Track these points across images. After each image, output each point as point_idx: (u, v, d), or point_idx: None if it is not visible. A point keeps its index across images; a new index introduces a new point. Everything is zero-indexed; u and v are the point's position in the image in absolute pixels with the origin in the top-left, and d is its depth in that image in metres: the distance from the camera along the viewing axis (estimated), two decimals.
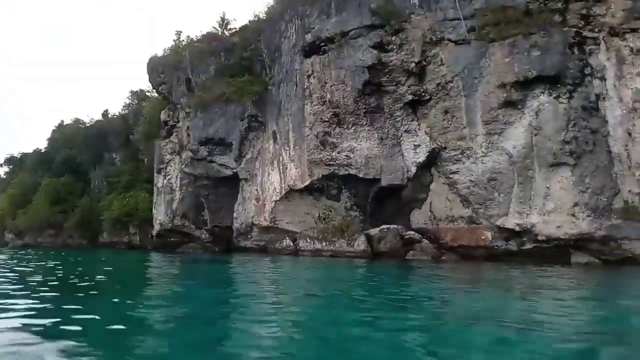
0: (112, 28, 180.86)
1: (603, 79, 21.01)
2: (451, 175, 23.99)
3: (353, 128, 25.45)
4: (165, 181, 38.04)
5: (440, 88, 23.63)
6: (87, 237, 48.07)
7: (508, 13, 21.74)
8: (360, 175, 25.16)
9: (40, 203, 50.43)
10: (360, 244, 23.65)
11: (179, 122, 37.94)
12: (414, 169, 24.74)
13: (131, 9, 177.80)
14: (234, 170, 33.37)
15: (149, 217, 40.66)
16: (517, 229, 21.63)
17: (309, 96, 26.57)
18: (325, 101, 25.94)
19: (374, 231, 24.11)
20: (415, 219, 25.97)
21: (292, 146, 27.46)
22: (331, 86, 25.63)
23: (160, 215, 38.02)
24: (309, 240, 25.42)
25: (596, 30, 21.33)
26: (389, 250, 23.80)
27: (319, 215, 28.16)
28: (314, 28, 26.46)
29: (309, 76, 26.76)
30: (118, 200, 43.28)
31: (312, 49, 26.74)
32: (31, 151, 62.54)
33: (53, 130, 60.93)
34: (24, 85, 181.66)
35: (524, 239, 21.81)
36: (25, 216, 51.26)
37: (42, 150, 59.59)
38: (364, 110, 25.18)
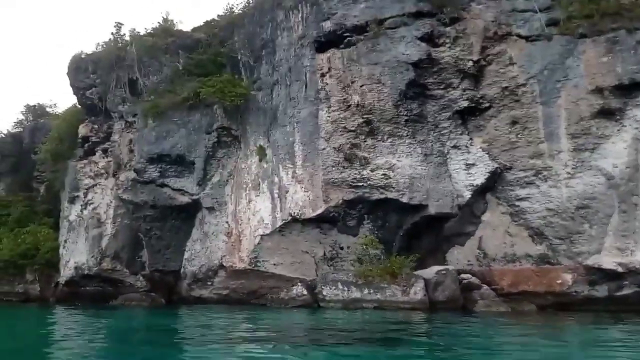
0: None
1: None
2: (518, 203, 18.83)
3: (390, 140, 19.46)
4: (87, 212, 28.59)
5: (507, 93, 18.71)
6: None
7: (602, 4, 17.66)
8: (404, 200, 19.01)
9: None
10: (418, 291, 17.20)
11: (110, 136, 29.14)
12: (467, 195, 19.21)
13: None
14: (195, 197, 25.37)
15: (54, 260, 30.49)
16: (619, 269, 16.80)
17: (326, 99, 20.26)
18: (351, 105, 19.79)
19: (427, 274, 17.88)
20: (453, 259, 20.29)
21: (299, 163, 20.65)
22: (362, 86, 19.60)
23: (76, 257, 28.23)
24: (340, 287, 18.32)
25: None
26: (447, 300, 17.69)
27: (325, 255, 21.36)
28: (335, 14, 20.49)
29: (323, 75, 20.54)
30: (9, 238, 32.24)
31: (329, 41, 20.69)
32: None
33: None
34: None
35: (625, 282, 17.00)
36: None
37: None
38: (405, 119, 19.41)
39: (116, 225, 26.80)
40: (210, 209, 25.07)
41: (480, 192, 19.31)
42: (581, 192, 17.41)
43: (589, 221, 17.33)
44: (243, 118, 24.23)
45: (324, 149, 19.95)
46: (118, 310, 22.84)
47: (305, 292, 19.38)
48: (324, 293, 18.65)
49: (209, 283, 25.41)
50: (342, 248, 21.02)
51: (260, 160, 23.09)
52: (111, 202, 27.07)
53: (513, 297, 18.70)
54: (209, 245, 25.16)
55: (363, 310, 17.25)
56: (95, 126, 30.35)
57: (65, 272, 29.08)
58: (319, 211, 19.96)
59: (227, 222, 24.43)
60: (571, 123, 17.58)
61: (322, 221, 20.63)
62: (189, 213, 26.18)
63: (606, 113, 17.14)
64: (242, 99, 23.11)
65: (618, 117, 17.04)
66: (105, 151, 29.17)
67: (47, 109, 44.83)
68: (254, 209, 22.86)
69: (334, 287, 18.45)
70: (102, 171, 28.63)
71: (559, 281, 18.07)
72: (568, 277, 17.86)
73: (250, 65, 24.83)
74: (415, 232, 20.08)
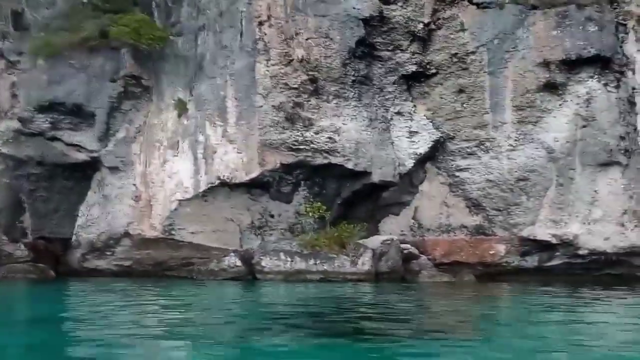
0: None
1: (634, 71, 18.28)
2: (458, 173, 18.48)
3: (335, 102, 17.92)
4: None
5: (455, 60, 18.06)
6: None
7: None
8: (349, 166, 17.69)
9: None
10: (366, 261, 16.09)
11: None
12: (410, 163, 18.44)
13: None
14: (94, 155, 21.76)
15: None
16: (553, 240, 17.22)
17: (264, 51, 18.09)
18: (293, 60, 17.87)
19: (372, 244, 16.86)
20: (387, 228, 19.62)
21: (231, 121, 18.34)
22: (307, 39, 17.73)
23: None
24: (283, 257, 16.54)
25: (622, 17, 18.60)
26: (390, 270, 16.91)
27: (252, 224, 19.50)
28: None
29: (262, 23, 18.31)
30: None
31: None
32: None
33: None
34: None
35: (557, 253, 17.50)
36: None
37: None
38: (352, 79, 17.96)
39: None
40: (113, 169, 21.71)
41: (421, 161, 18.65)
42: (522, 164, 17.45)
43: (527, 193, 17.47)
44: (157, 66, 21.02)
45: (261, 106, 17.89)
46: None
47: (238, 262, 17.42)
48: (263, 264, 16.84)
49: (109, 253, 22.23)
50: (272, 216, 19.28)
51: (179, 116, 20.26)
52: None
53: (444, 268, 18.54)
54: (110, 210, 21.85)
55: (306, 282, 15.81)
56: None
57: None
58: (253, 175, 17.99)
59: (134, 184, 21.31)
60: (516, 95, 17.44)
61: (253, 186, 18.68)
62: (84, 173, 22.53)
63: (550, 87, 17.19)
64: (160, 43, 19.94)
65: (561, 92, 17.18)
66: None
67: None
68: (170, 171, 20.12)
69: (275, 258, 16.73)
70: None
71: (491, 252, 18.18)
72: (502, 248, 18.01)
73: (167, 6, 21.54)
74: (352, 200, 18.97)
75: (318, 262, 16.23)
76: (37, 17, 22.28)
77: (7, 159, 22.24)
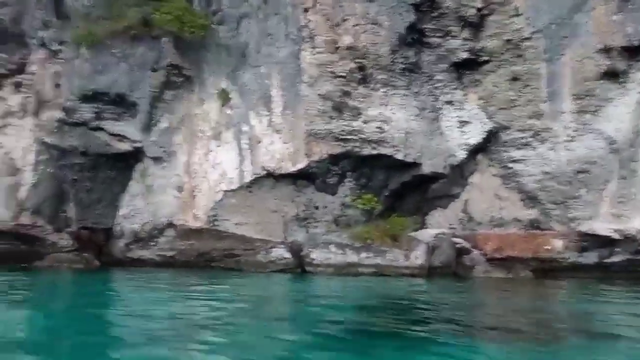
0: None
1: None
2: (511, 165, 17.73)
3: (383, 90, 17.33)
4: None
5: (509, 47, 17.23)
6: None
7: None
8: (399, 157, 17.14)
9: None
10: (419, 255, 15.61)
11: (24, 67, 24.04)
12: (461, 154, 17.78)
13: None
14: (137, 145, 21.65)
15: None
16: (615, 236, 16.39)
17: (310, 39, 17.57)
18: (340, 47, 17.31)
19: (424, 237, 16.33)
20: (434, 222, 19.02)
21: (277, 110, 17.93)
22: (354, 26, 17.13)
23: None
24: (333, 249, 16.18)
25: None
26: (442, 265, 16.37)
27: (297, 215, 19.11)
28: None
29: (307, 10, 17.76)
30: None
31: None
32: None
33: None
34: None
35: (617, 249, 16.67)
36: None
37: None
38: (402, 67, 17.34)
39: (37, 173, 22.31)
40: (156, 159, 21.57)
41: (473, 152, 17.95)
42: (581, 156, 16.61)
43: (587, 186, 16.64)
44: (199, 56, 20.70)
45: (307, 95, 17.41)
46: (44, 274, 19.01)
47: (286, 254, 17.08)
48: (313, 256, 16.48)
49: (152, 243, 22.17)
50: (317, 208, 18.86)
51: (222, 106, 19.94)
52: (31, 146, 22.41)
53: (496, 263, 17.90)
54: (153, 200, 21.76)
55: (358, 276, 15.39)
56: (3, 55, 24.89)
57: None
58: (300, 166, 17.59)
59: (177, 174, 21.15)
60: (575, 83, 16.56)
61: (298, 177, 18.29)
62: (127, 163, 22.43)
63: (611, 75, 16.27)
64: (202, 31, 19.56)
65: (622, 79, 16.25)
66: (18, 85, 23.99)
67: None
68: (214, 161, 19.87)
69: (325, 250, 16.35)
70: (16, 109, 23.64)
71: (547, 247, 17.43)
72: (559, 243, 17.24)
73: None
74: (399, 192, 18.42)
75: (370, 255, 15.79)
76: (78, 6, 22.12)
77: (51, 148, 22.30)
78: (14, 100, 23.75)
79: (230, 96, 19.62)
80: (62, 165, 22.48)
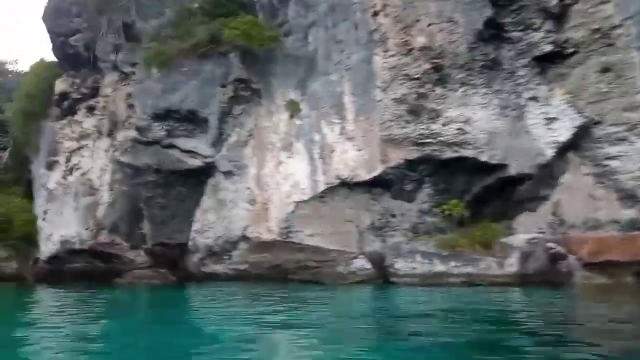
0: None
1: None
2: (607, 162, 16.31)
3: (462, 90, 16.48)
4: (73, 178, 24.39)
5: (597, 36, 15.98)
6: None
7: None
8: (483, 159, 16.21)
9: None
10: (513, 263, 14.54)
11: (96, 92, 24.79)
12: (550, 153, 16.55)
13: None
14: (208, 160, 21.70)
15: (31, 234, 26.23)
16: None
17: (381, 42, 16.99)
18: (413, 49, 16.62)
19: (516, 243, 15.22)
20: (522, 227, 17.74)
21: (350, 117, 17.41)
22: (429, 26, 16.43)
23: (62, 230, 24.16)
24: (419, 259, 15.40)
25: None
26: (536, 272, 15.15)
27: (372, 224, 18.39)
28: None
29: (376, 13, 17.23)
30: None
31: None
32: None
33: None
34: None
35: None
36: None
37: None
38: (481, 64, 16.45)
39: (113, 192, 22.84)
40: (227, 174, 21.50)
41: (562, 150, 16.70)
42: None
43: None
44: (266, 69, 20.57)
45: (380, 100, 16.79)
46: (128, 290, 19.12)
47: (367, 265, 16.37)
48: (397, 266, 15.70)
49: (226, 257, 22.05)
50: (393, 216, 18.11)
51: (291, 117, 19.65)
52: (106, 166, 22.99)
53: (593, 268, 16.44)
54: (226, 214, 21.66)
55: (446, 286, 14.45)
56: (77, 80, 25.85)
57: (48, 247, 24.99)
58: (375, 173, 16.93)
59: (248, 187, 20.97)
60: None
61: (373, 185, 17.61)
62: (199, 179, 22.49)
63: None
64: (271, 44, 19.38)
65: None
66: (90, 109, 24.84)
67: (7, 66, 39.33)
68: (286, 173, 19.53)
69: (410, 260, 15.53)
70: (89, 131, 24.37)
71: None
72: None
73: (272, 6, 21.04)
74: (482, 196, 17.38)
75: (460, 264, 14.82)
76: (147, 27, 22.61)
77: (125, 167, 22.74)
78: (89, 123, 24.52)
79: (299, 107, 19.31)
80: (136, 184, 22.83)
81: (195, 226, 22.92)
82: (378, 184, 17.54)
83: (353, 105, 17.26)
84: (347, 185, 17.71)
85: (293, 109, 19.50)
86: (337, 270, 17.36)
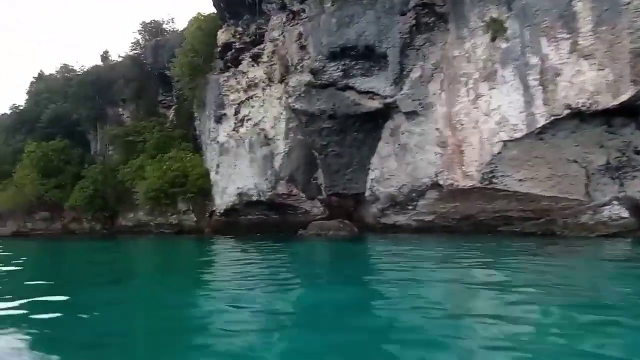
0: None
1: None
2: None
3: None
4: (244, 130, 23.58)
5: None
6: (101, 220, 32.82)
7: None
8: None
9: (26, 176, 34.47)
10: None
11: (261, 39, 23.38)
12: None
13: None
14: (388, 101, 19.31)
15: (206, 188, 26.30)
16: None
17: None
18: None
19: None
20: None
21: (585, 29, 13.71)
22: None
23: (238, 182, 23.72)
24: None
25: None
26: None
27: (608, 164, 14.76)
28: None
29: None
30: (154, 165, 28.29)
31: None
32: (6, 110, 45.71)
33: (32, 82, 44.20)
34: None
35: None
36: (5, 195, 35.21)
37: (20, 107, 42.74)
38: None
39: (289, 141, 21.52)
40: (410, 115, 18.96)
41: None
42: None
43: None
44: None
45: (629, 2, 12.85)
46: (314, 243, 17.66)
47: (624, 213, 13.00)
48: None
49: (410, 207, 19.82)
50: (638, 152, 14.32)
51: (493, 40, 16.32)
52: (280, 114, 21.64)
53: None
54: (410, 160, 19.29)
55: None
56: (239, 29, 24.70)
57: (224, 200, 24.80)
58: (623, 97, 13.18)
59: (437, 129, 18.27)
60: None
61: (615, 114, 13.90)
62: (376, 123, 20.28)
63: None
64: None
65: None
66: (255, 57, 23.58)
67: (165, 26, 40.06)
68: (488, 108, 16.43)
69: None
70: (257, 80, 23.18)
71: None
72: None
73: None
74: None
75: None
76: None
77: (299, 114, 21.22)
78: (254, 72, 23.29)
79: (504, 25, 15.90)
80: (310, 131, 21.28)
81: (373, 174, 20.94)
82: (622, 112, 13.81)
83: (590, 12, 13.50)
84: (580, 116, 14.20)
85: (496, 29, 16.16)
86: (580, 221, 14.16)
